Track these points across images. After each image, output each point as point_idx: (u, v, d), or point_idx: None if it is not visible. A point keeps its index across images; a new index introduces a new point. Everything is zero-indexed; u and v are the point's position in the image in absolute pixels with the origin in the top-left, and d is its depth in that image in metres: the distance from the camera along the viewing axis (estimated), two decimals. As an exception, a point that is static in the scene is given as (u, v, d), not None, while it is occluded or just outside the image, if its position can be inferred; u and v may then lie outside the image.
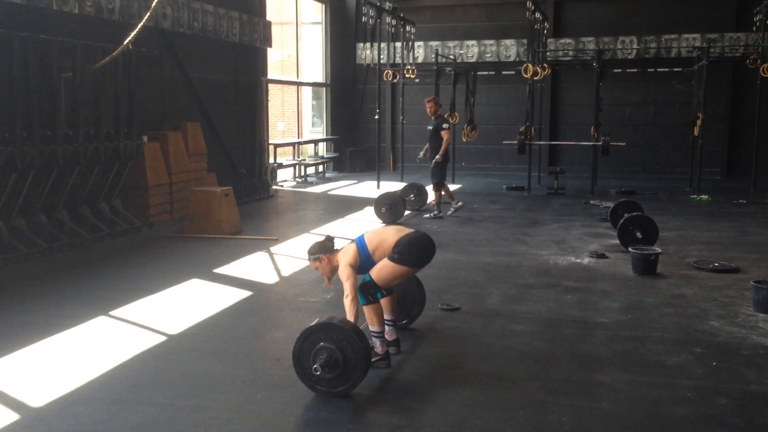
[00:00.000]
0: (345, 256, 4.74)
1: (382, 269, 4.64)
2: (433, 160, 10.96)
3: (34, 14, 8.63)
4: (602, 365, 4.77)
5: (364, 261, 4.72)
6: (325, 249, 4.84)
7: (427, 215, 11.12)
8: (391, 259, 4.63)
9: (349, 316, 4.47)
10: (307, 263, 7.73)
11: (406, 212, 11.08)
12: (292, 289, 6.88)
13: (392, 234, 4.76)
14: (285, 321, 5.90)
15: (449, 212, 11.07)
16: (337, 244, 4.95)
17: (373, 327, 4.69)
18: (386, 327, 4.92)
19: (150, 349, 5.06)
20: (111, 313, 5.92)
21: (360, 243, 4.77)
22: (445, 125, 10.93)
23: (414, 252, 4.67)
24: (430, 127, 11.15)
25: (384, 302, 4.87)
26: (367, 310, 4.68)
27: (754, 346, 5.14)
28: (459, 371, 4.69)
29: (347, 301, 4.52)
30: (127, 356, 4.90)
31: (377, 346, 4.69)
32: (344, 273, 4.64)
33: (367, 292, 4.65)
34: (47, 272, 7.36)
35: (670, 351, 5.03)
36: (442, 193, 11.16)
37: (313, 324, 4.30)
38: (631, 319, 5.81)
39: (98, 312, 5.91)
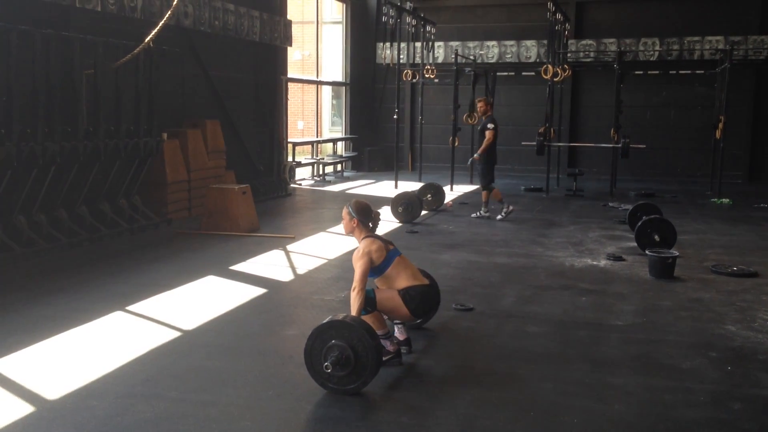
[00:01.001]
0: (370, 247, 4.73)
1: (390, 299, 4.69)
2: (470, 159, 11.04)
3: (57, 11, 8.74)
4: (615, 368, 4.74)
5: (379, 270, 4.75)
6: (363, 216, 4.86)
7: (474, 215, 11.01)
8: (402, 296, 4.69)
9: (353, 309, 4.50)
10: (323, 262, 7.83)
11: (423, 212, 11.07)
12: (307, 287, 6.91)
13: (407, 280, 4.77)
14: (299, 319, 5.93)
15: (498, 217, 10.88)
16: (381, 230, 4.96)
17: (378, 331, 4.66)
18: (396, 327, 4.94)
19: (164, 344, 5.10)
20: (127, 308, 5.99)
21: (391, 256, 4.79)
22: (489, 125, 10.82)
23: (421, 305, 4.77)
24: (479, 127, 11.13)
25: None
26: (367, 319, 4.65)
27: (770, 351, 5.09)
28: (471, 371, 4.69)
29: (353, 294, 4.55)
30: (142, 351, 4.94)
31: (387, 345, 4.70)
32: (359, 263, 4.66)
33: (367, 303, 4.64)
34: (66, 267, 7.44)
35: (684, 355, 4.99)
36: (490, 196, 11.03)
37: (324, 322, 4.32)
38: (646, 322, 5.77)
39: (115, 307, 5.98)
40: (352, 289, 4.58)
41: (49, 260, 7.64)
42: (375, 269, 4.76)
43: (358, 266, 4.65)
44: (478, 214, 11.03)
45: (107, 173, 8.82)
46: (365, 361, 4.19)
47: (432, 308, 4.98)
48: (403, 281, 4.76)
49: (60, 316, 5.68)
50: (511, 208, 11.01)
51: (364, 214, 4.87)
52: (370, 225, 4.92)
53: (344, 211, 4.92)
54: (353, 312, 4.50)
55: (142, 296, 6.31)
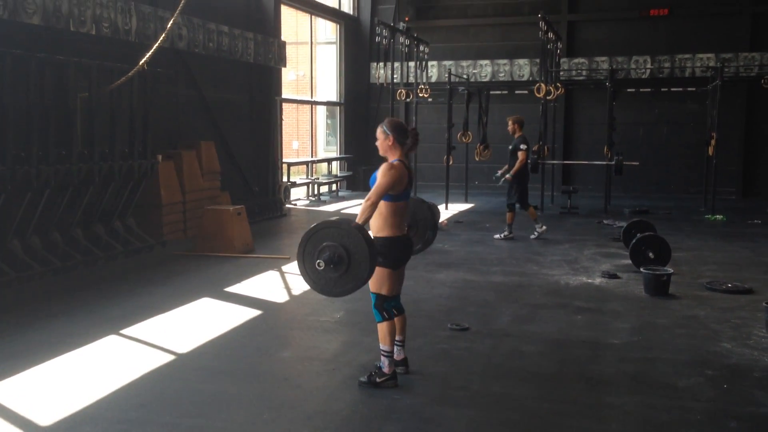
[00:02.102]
0: (401, 171, 4.55)
1: (375, 278, 4.58)
2: (502, 177, 11.01)
3: (52, 35, 8.77)
4: (612, 387, 4.73)
5: (387, 197, 4.56)
6: (399, 133, 4.65)
7: (497, 236, 10.90)
8: (383, 264, 4.59)
9: (360, 217, 4.40)
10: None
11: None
12: (302, 308, 6.90)
13: (395, 225, 4.62)
14: (294, 340, 5.91)
15: (533, 236, 10.83)
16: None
17: (384, 346, 4.68)
18: (396, 347, 4.93)
19: (159, 368, 5.08)
20: (122, 331, 5.96)
21: (405, 195, 4.65)
22: (522, 146, 10.72)
23: (392, 255, 4.64)
24: (510, 147, 11.10)
25: (395, 321, 4.86)
26: (381, 328, 4.68)
27: (766, 368, 5.09)
28: (467, 392, 4.67)
29: (366, 204, 4.41)
30: (136, 375, 4.92)
31: (385, 365, 4.68)
32: (384, 178, 4.47)
33: (381, 307, 4.65)
34: (60, 291, 7.42)
35: (680, 373, 4.98)
36: (536, 214, 11.01)
37: (314, 225, 4.31)
38: (641, 340, 5.77)
39: (109, 331, 5.95)
40: (366, 199, 4.42)
41: (44, 284, 7.61)
42: (390, 195, 4.56)
43: (383, 181, 4.45)
44: (536, 233, 10.87)
45: (102, 196, 8.81)
46: (359, 260, 4.15)
47: (404, 254, 4.76)
48: (380, 227, 4.58)
49: (54, 341, 5.65)
50: (544, 227, 10.92)
51: (400, 131, 4.66)
52: (408, 143, 4.69)
53: (379, 131, 4.71)
54: (359, 220, 4.38)
55: (137, 319, 6.28)
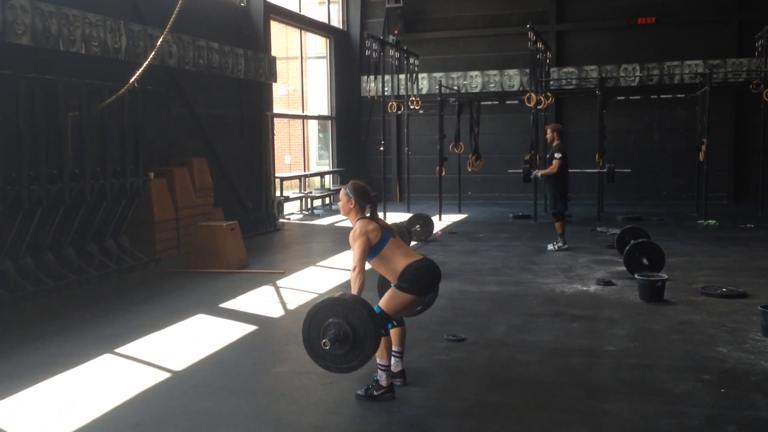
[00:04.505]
0: (366, 227, 4.67)
1: (391, 299, 4.63)
2: (534, 173, 11.43)
3: (41, 55, 8.78)
4: (609, 394, 4.73)
5: (375, 250, 4.67)
6: (360, 197, 4.79)
7: (551, 247, 10.62)
8: (399, 288, 4.62)
9: (353, 289, 4.46)
10: (313, 296, 7.80)
11: (412, 243, 11.07)
12: (298, 322, 6.81)
13: (402, 258, 4.71)
14: (290, 355, 5.88)
15: (549, 247, 10.65)
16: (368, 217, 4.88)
17: (381, 360, 4.66)
18: (393, 359, 4.91)
19: (154, 386, 5.05)
20: (116, 350, 5.92)
21: (386, 237, 4.73)
22: (557, 154, 10.55)
23: (422, 281, 4.67)
24: (548, 155, 11.10)
25: (393, 333, 4.86)
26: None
27: (762, 371, 5.09)
28: (464, 402, 4.65)
29: (353, 274, 4.51)
30: (132, 394, 4.89)
31: (382, 378, 4.67)
32: (357, 243, 4.60)
33: (381, 325, 4.61)
34: (54, 310, 7.37)
35: (677, 378, 4.98)
36: (564, 227, 10.72)
37: (319, 302, 4.33)
38: (638, 346, 5.77)
39: (103, 350, 5.91)
40: (352, 269, 4.53)
41: (37, 304, 7.57)
42: (372, 249, 4.67)
43: (357, 246, 4.60)
44: (554, 247, 10.57)
45: (94, 214, 8.79)
46: (364, 335, 4.16)
47: (434, 281, 4.82)
48: (399, 261, 4.67)
49: (48, 361, 5.61)
50: (566, 246, 10.54)
51: (362, 195, 4.80)
52: (368, 207, 4.84)
53: (342, 192, 4.85)
54: (353, 291, 4.45)
55: (132, 338, 6.25)
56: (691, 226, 13.02)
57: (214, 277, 9.03)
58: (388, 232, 4.78)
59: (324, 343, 4.16)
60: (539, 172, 11.12)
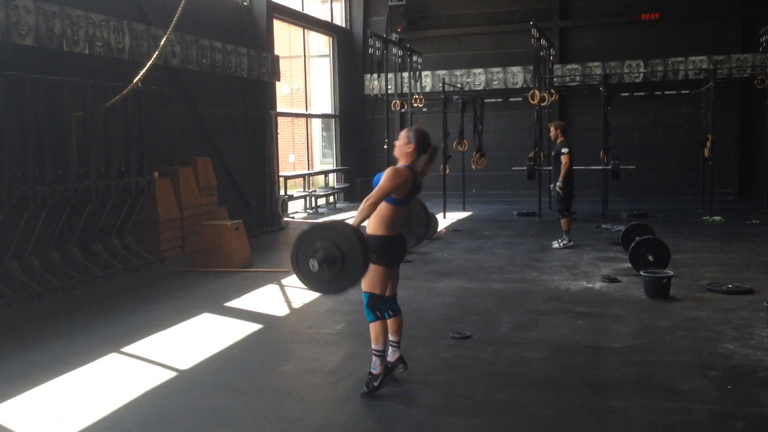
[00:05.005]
0: (407, 176, 4.60)
1: (369, 277, 4.60)
2: (552, 185, 10.82)
3: (45, 56, 8.78)
4: (615, 391, 4.72)
5: (390, 200, 4.61)
6: (420, 146, 4.70)
7: (556, 244, 10.57)
8: (378, 261, 4.61)
9: (357, 216, 4.45)
10: (318, 294, 7.79)
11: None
12: (303, 321, 6.88)
13: (390, 225, 4.65)
14: (295, 354, 5.89)
15: (554, 244, 10.60)
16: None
17: (376, 345, 4.68)
18: (390, 348, 4.93)
19: (161, 385, 5.05)
20: (122, 349, 5.94)
21: (407, 200, 4.70)
22: (564, 150, 10.35)
23: (385, 254, 4.65)
24: (553, 153, 10.90)
25: (390, 322, 4.86)
26: (374, 328, 4.69)
27: (769, 368, 5.07)
28: (470, 400, 4.65)
29: (365, 204, 4.45)
30: (138, 393, 4.89)
31: (376, 366, 4.67)
32: (388, 183, 4.51)
33: (375, 307, 4.65)
34: (60, 310, 7.39)
35: (684, 375, 4.97)
36: (570, 224, 10.61)
37: (308, 227, 4.35)
38: (643, 343, 5.76)
39: (109, 349, 5.93)
40: (367, 199, 4.46)
41: (43, 304, 7.58)
42: (393, 198, 4.60)
43: (385, 185, 4.49)
44: (559, 244, 10.49)
45: (99, 214, 8.80)
46: (352, 259, 4.19)
47: (401, 256, 4.82)
48: (387, 225, 4.62)
49: (55, 361, 5.62)
50: (571, 243, 10.48)
51: (422, 143, 4.72)
52: (425, 157, 4.77)
53: (403, 133, 4.76)
54: (357, 219, 4.43)
55: (137, 337, 6.26)
56: (697, 223, 12.99)
57: (219, 276, 9.04)
58: (409, 197, 4.72)
59: (312, 264, 4.17)
60: (559, 184, 10.46)
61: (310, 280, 4.33)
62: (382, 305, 4.70)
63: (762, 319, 6.20)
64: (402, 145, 4.73)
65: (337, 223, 4.36)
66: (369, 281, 4.64)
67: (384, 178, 4.55)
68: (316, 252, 4.24)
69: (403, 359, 4.97)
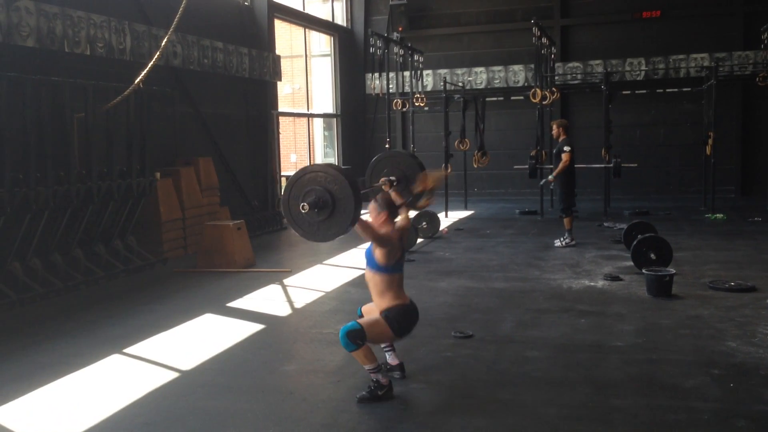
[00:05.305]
0: (398, 236, 4.73)
1: (376, 326, 4.60)
2: (543, 181, 11.01)
3: (47, 57, 8.79)
4: (618, 390, 4.72)
5: (386, 269, 4.67)
6: (391, 210, 4.82)
7: (558, 243, 10.53)
8: (387, 319, 4.62)
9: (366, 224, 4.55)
10: (320, 294, 7.80)
11: (419, 240, 11.07)
12: (305, 321, 6.88)
13: (398, 292, 4.74)
14: (298, 354, 5.89)
15: (556, 243, 10.56)
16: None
17: (369, 365, 4.60)
18: (387, 355, 4.93)
19: (163, 386, 5.06)
20: (125, 350, 5.94)
21: (399, 267, 4.76)
22: (566, 148, 10.35)
23: (404, 325, 4.70)
24: (554, 150, 10.90)
25: None
26: (358, 355, 4.57)
27: (772, 366, 5.07)
28: (473, 399, 4.65)
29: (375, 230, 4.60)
30: (140, 394, 4.90)
31: (380, 378, 4.62)
32: (383, 230, 4.66)
33: (356, 337, 4.50)
34: (62, 311, 7.40)
35: (686, 373, 4.96)
36: (572, 223, 10.60)
37: (298, 171, 4.38)
38: (646, 341, 5.75)
39: (112, 350, 5.93)
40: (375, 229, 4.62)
41: (45, 305, 7.59)
42: (385, 267, 4.65)
43: (381, 230, 4.61)
44: (561, 243, 10.46)
45: (101, 215, 8.81)
46: (344, 204, 4.20)
47: (411, 328, 4.85)
48: (391, 297, 4.68)
49: (57, 362, 5.63)
50: (573, 241, 10.45)
51: (391, 207, 4.83)
52: (399, 212, 4.89)
53: (371, 205, 4.83)
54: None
55: (140, 338, 6.27)
56: (699, 220, 12.98)
57: (221, 276, 9.05)
58: (400, 263, 4.80)
59: (302, 206, 4.16)
60: (550, 177, 10.67)
61: (299, 224, 4.31)
62: (363, 338, 4.56)
63: (765, 317, 6.19)
64: (376, 218, 4.78)
65: (329, 166, 4.33)
66: (374, 330, 4.58)
67: (379, 228, 4.63)
68: (307, 195, 4.23)
69: (402, 366, 4.97)
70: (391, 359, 4.91)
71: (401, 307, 4.69)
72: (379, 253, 4.62)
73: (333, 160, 19.89)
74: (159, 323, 6.76)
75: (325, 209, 4.20)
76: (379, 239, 4.59)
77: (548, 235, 11.48)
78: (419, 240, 11.10)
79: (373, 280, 4.73)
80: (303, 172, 4.36)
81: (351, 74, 19.22)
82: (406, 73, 16.40)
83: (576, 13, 18.29)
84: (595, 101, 16.62)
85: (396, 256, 4.69)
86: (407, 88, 16.54)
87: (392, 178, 5.48)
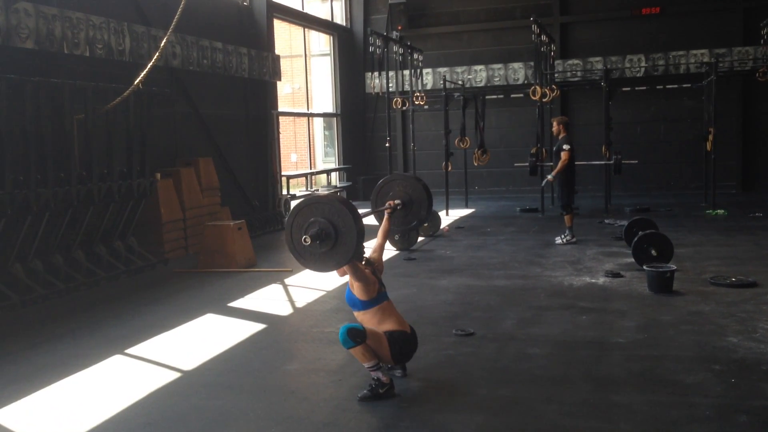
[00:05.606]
0: (370, 278, 4.80)
1: (377, 340, 4.64)
2: (544, 181, 11.10)
3: (46, 58, 8.80)
4: (619, 386, 4.72)
5: (373, 302, 4.78)
6: (367, 264, 4.93)
7: (559, 240, 10.51)
8: (390, 340, 4.68)
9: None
10: (321, 294, 7.80)
11: (420, 238, 11.07)
12: (306, 320, 6.88)
13: (397, 319, 4.83)
14: (299, 353, 5.89)
15: (557, 240, 10.55)
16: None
17: (368, 363, 4.60)
18: None
19: (165, 386, 5.07)
20: (126, 351, 5.95)
21: (383, 296, 4.86)
22: (565, 146, 10.33)
23: (403, 350, 4.78)
24: (554, 148, 10.88)
25: None
26: (357, 352, 4.57)
27: (773, 361, 5.07)
28: (474, 397, 4.65)
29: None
30: (142, 394, 4.91)
31: (380, 376, 4.62)
32: (359, 276, 4.69)
33: (356, 336, 4.51)
34: (64, 313, 7.41)
35: (687, 369, 4.96)
36: (573, 220, 10.56)
37: (302, 200, 4.41)
38: (647, 338, 5.75)
39: (113, 350, 5.94)
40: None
41: (47, 307, 7.60)
42: (369, 301, 4.76)
43: (360, 276, 4.68)
44: (562, 240, 10.45)
45: (102, 216, 8.82)
46: (346, 237, 4.22)
47: (410, 355, 4.93)
48: (391, 323, 4.77)
49: (59, 363, 5.64)
50: (574, 239, 10.41)
51: (362, 258, 4.88)
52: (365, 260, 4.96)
53: (348, 268, 4.83)
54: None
55: (141, 338, 6.27)
56: (700, 216, 12.97)
57: (222, 276, 9.05)
58: (385, 294, 4.90)
59: (304, 238, 4.18)
60: (549, 177, 10.68)
61: (301, 254, 4.35)
62: (362, 339, 4.57)
63: (766, 312, 6.19)
64: (353, 274, 4.71)
65: (333, 198, 4.36)
66: (374, 342, 4.59)
67: (356, 275, 4.67)
68: (310, 227, 4.24)
69: (404, 365, 4.98)
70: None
71: (404, 334, 4.78)
72: (358, 289, 4.72)
73: (333, 159, 19.90)
74: (160, 323, 6.77)
75: (327, 241, 4.24)
76: (354, 273, 4.65)
77: (549, 233, 11.47)
78: (420, 238, 11.10)
79: (366, 317, 4.80)
80: (306, 203, 4.40)
81: (351, 73, 19.22)
82: (406, 72, 16.40)
83: (575, 10, 18.28)
84: (595, 98, 16.62)
85: (376, 287, 4.79)
86: (407, 87, 16.54)
87: (397, 201, 5.57)
